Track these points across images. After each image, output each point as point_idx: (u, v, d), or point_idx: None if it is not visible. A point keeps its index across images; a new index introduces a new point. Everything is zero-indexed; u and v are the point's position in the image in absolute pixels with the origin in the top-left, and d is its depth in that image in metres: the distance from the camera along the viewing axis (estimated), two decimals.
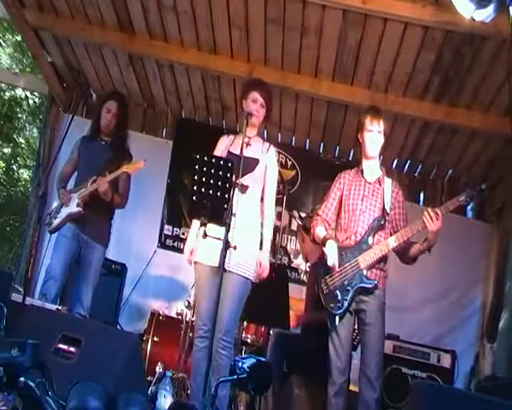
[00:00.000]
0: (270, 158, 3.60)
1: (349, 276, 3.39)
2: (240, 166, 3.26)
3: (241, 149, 3.32)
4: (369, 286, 3.37)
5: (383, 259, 3.46)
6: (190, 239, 3.53)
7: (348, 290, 3.37)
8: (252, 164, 3.48)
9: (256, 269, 3.43)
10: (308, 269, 4.90)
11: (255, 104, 3.53)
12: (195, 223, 3.47)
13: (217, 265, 3.24)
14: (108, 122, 4.23)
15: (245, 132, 3.40)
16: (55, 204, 4.33)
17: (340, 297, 3.38)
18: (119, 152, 4.24)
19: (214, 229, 3.22)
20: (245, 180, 3.43)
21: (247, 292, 3.43)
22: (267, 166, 3.57)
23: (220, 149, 3.62)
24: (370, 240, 3.43)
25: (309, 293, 4.53)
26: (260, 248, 3.49)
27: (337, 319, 3.37)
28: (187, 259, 3.50)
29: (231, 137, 3.67)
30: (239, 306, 3.40)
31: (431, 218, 3.28)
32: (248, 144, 3.52)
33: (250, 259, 3.41)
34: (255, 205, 3.52)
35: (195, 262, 3.49)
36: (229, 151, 3.52)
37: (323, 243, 3.50)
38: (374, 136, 3.54)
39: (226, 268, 3.24)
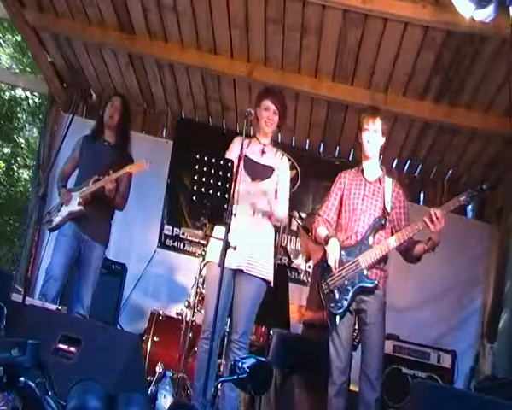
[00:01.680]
0: (283, 164, 3.65)
1: (349, 276, 3.39)
2: (240, 167, 3.26)
3: (241, 150, 3.30)
4: (370, 286, 3.36)
5: (383, 259, 3.45)
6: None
7: (348, 290, 3.37)
8: (268, 171, 3.55)
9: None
10: (309, 269, 4.90)
11: (267, 112, 3.57)
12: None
13: (231, 267, 3.28)
14: (112, 114, 4.28)
15: (244, 133, 3.40)
16: (55, 202, 4.33)
17: (340, 297, 3.38)
18: (121, 154, 4.26)
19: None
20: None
21: (263, 293, 3.45)
22: (279, 169, 3.61)
23: (235, 152, 3.47)
24: (371, 240, 3.43)
25: (311, 293, 4.53)
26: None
27: (337, 318, 3.37)
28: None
29: (246, 141, 3.63)
30: (255, 307, 3.42)
31: (431, 221, 3.27)
32: (263, 152, 3.61)
33: (266, 260, 3.45)
34: (268, 209, 3.53)
35: (208, 262, 3.49)
36: (245, 156, 3.48)
37: (326, 241, 3.49)
38: (370, 135, 3.52)
39: (244, 270, 3.33)
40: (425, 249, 3.42)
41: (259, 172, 3.49)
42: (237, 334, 3.34)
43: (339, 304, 3.37)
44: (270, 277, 3.45)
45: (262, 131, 3.61)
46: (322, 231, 3.59)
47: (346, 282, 3.38)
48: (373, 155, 3.59)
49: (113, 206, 4.26)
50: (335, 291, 3.40)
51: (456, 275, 5.60)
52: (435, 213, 3.26)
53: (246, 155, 3.51)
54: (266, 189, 3.49)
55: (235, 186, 3.21)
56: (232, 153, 3.55)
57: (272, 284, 3.50)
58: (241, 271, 3.35)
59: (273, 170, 3.57)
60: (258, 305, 3.43)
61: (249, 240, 3.37)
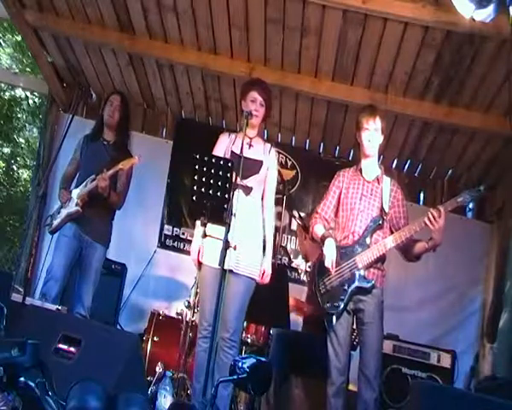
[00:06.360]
0: (271, 160, 3.61)
1: (346, 275, 3.39)
2: (241, 167, 3.26)
3: (242, 150, 3.32)
4: (367, 286, 3.36)
5: (381, 258, 3.45)
6: (196, 239, 3.50)
7: (345, 290, 3.37)
8: (256, 166, 3.51)
9: (259, 274, 3.45)
10: (309, 269, 4.90)
11: (254, 104, 3.53)
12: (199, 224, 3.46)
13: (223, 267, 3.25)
14: (112, 113, 4.25)
15: (245, 132, 3.40)
16: (56, 206, 4.33)
17: (337, 297, 3.38)
18: (119, 153, 4.24)
19: (218, 229, 3.22)
20: (249, 182, 3.45)
21: (252, 292, 3.45)
22: (269, 168, 3.58)
23: (221, 148, 3.59)
24: (368, 240, 3.43)
25: (310, 293, 4.53)
26: (263, 252, 3.51)
27: (334, 318, 3.37)
28: (194, 258, 3.48)
29: (232, 136, 3.65)
30: (245, 306, 3.42)
31: (430, 219, 3.27)
32: (251, 145, 3.55)
33: (254, 259, 3.44)
34: (258, 206, 3.53)
35: (201, 263, 3.48)
36: (232, 151, 3.51)
37: (322, 241, 3.50)
38: (370, 134, 3.53)
39: (232, 269, 3.29)
40: (426, 248, 3.42)
41: (247, 167, 3.39)
42: (228, 333, 3.33)
43: (335, 304, 3.37)
44: (257, 275, 3.44)
45: (249, 124, 3.50)
46: (318, 229, 3.59)
47: (343, 282, 3.39)
48: (373, 153, 3.60)
49: (108, 204, 4.22)
50: (332, 291, 3.41)
51: (456, 275, 5.60)
52: (432, 214, 3.27)
53: (232, 151, 3.51)
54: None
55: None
56: (218, 150, 3.56)
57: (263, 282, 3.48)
58: (231, 270, 3.31)
59: (261, 165, 3.53)
60: (248, 303, 3.42)
61: (239, 241, 3.30)
